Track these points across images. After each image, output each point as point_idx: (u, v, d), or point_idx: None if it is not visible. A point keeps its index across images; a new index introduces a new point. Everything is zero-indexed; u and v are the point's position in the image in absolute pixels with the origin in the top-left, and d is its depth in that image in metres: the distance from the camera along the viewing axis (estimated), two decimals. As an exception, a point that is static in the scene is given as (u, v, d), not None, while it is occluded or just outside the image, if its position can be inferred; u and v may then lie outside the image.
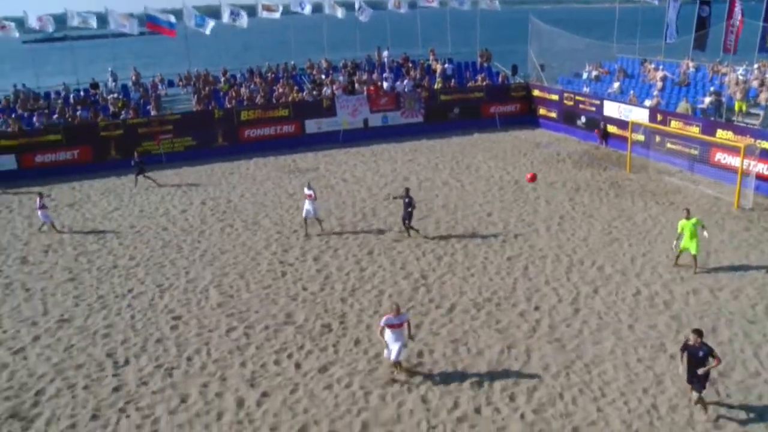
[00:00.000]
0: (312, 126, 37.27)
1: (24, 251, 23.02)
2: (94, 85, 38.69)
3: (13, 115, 34.44)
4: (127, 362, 15.53)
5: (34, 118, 34.27)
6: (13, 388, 14.78)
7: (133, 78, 39.42)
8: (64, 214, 26.70)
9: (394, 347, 13.91)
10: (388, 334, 13.91)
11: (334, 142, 36.82)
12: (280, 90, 38.17)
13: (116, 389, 14.48)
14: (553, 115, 38.44)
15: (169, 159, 34.12)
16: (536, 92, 39.98)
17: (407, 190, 21.94)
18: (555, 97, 38.28)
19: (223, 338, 16.33)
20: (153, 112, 35.91)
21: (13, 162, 32.73)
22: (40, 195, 25.01)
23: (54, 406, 14.03)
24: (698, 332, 12.29)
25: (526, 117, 40.01)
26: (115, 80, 39.03)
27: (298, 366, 15.01)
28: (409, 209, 21.64)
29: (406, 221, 21.86)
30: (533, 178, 23.97)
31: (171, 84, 40.44)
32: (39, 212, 24.66)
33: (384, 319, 13.97)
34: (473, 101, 39.79)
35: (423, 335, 16.01)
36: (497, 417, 12.96)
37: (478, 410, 13.17)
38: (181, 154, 34.59)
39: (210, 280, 19.67)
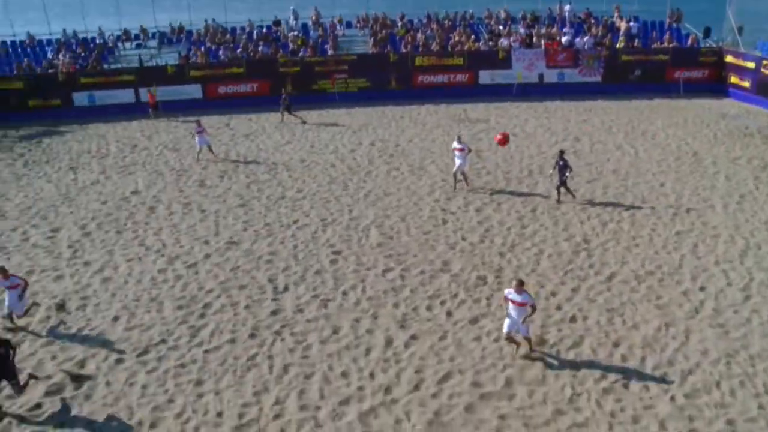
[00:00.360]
0: (485, 77, 36.62)
1: (202, 175, 24.61)
2: (276, 23, 40.13)
3: (202, 48, 36.59)
4: (286, 289, 16.26)
5: (221, 52, 36.22)
6: (185, 299, 16.02)
7: (314, 18, 40.46)
8: (240, 144, 28.16)
9: (508, 322, 13.29)
10: (511, 307, 13.25)
11: (506, 95, 35.95)
12: (456, 38, 37.70)
13: (274, 312, 15.23)
14: (747, 84, 35.06)
15: (342, 98, 34.97)
16: (729, 58, 36.51)
17: (561, 152, 20.96)
18: (751, 64, 34.79)
19: (379, 278, 16.65)
20: (330, 52, 36.79)
21: (199, 91, 34.93)
22: (198, 122, 26.70)
23: (218, 320, 15.04)
24: None
25: (715, 84, 36.67)
26: (296, 19, 40.24)
27: (449, 314, 15.02)
28: (565, 173, 20.66)
29: (562, 186, 20.91)
30: (504, 140, 22.12)
31: (349, 25, 41.15)
32: (196, 137, 26.29)
33: (507, 291, 13.43)
34: (657, 64, 37.06)
35: (578, 300, 15.46)
36: (645, 395, 12.31)
37: (626, 385, 12.56)
38: (354, 95, 35.32)
39: (372, 220, 20.05)
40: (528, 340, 13.62)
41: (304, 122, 31.10)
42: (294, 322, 14.83)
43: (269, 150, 27.15)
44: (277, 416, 12.02)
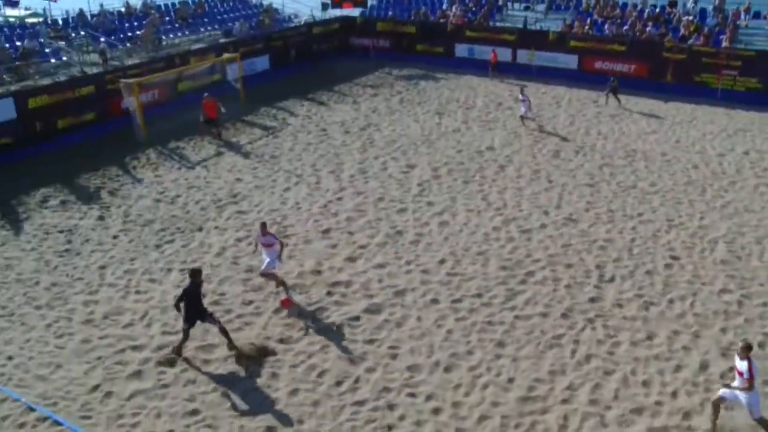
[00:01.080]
0: None
1: (558, 146, 24.63)
2: (672, 4, 37.76)
3: (588, 20, 36.09)
4: (612, 279, 15.76)
5: (606, 26, 35.36)
6: (511, 261, 16.48)
7: (716, 2, 37.27)
8: (603, 123, 27.48)
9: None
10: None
11: None
12: None
13: (592, 300, 14.91)
14: None
15: (724, 96, 31.96)
16: None
17: None
18: None
19: (714, 296, 15.26)
20: (724, 44, 33.71)
21: (575, 62, 34.58)
22: (521, 89, 27.16)
23: (536, 290, 15.21)
24: None
25: None
26: (695, 2, 37.48)
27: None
28: None
29: None
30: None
31: (757, 16, 37.01)
32: (521, 105, 26.64)
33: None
34: None
35: None
36: None
37: None
38: (739, 94, 31.97)
39: (723, 234, 18.32)
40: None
41: (623, 108, 29.67)
42: (610, 315, 14.37)
43: (632, 135, 26.11)
44: (564, 401, 11.91)
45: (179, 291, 13.48)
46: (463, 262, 16.48)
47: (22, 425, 11.42)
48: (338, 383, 12.34)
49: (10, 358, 13.19)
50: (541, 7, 39.60)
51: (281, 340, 13.58)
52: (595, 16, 36.74)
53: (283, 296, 14.86)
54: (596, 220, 18.84)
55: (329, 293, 15.18)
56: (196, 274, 12.92)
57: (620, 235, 17.98)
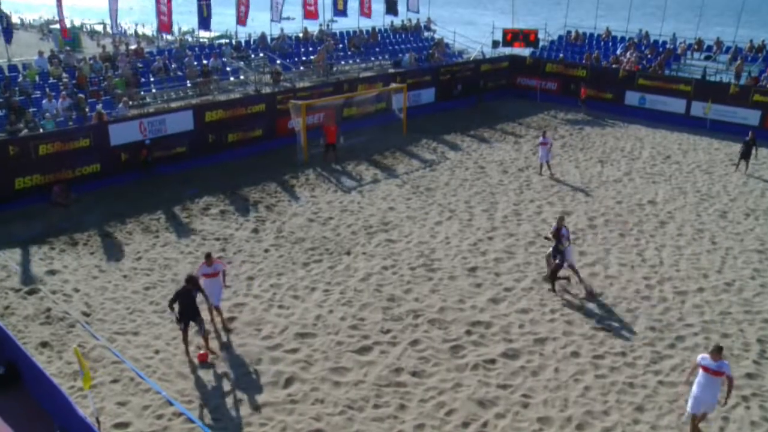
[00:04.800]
0: None
1: (727, 206, 23.26)
2: None
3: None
4: (774, 356, 14.65)
5: (798, 82, 33.12)
6: (661, 322, 15.76)
7: None
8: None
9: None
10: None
11: None
12: None
13: (750, 376, 13.91)
14: None
15: None
16: None
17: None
18: None
19: None
20: None
21: (757, 118, 32.37)
22: (544, 132, 26.33)
23: (684, 356, 14.40)
24: None
25: None
26: None
27: None
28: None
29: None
30: None
31: None
32: (539, 149, 25.72)
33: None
34: None
35: None
36: None
37: None
38: None
39: None
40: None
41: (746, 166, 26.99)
42: (766, 393, 13.34)
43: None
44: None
45: (173, 293, 14.20)
46: (610, 318, 15.94)
47: (159, 417, 12.31)
48: (465, 425, 12.29)
49: (157, 351, 14.26)
50: (724, 58, 37.74)
51: (414, 373, 13.73)
52: (786, 71, 34.53)
53: (202, 351, 14.30)
54: (762, 290, 17.57)
55: (468, 332, 15.18)
56: (189, 281, 13.84)
57: (790, 311, 16.69)
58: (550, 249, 17.27)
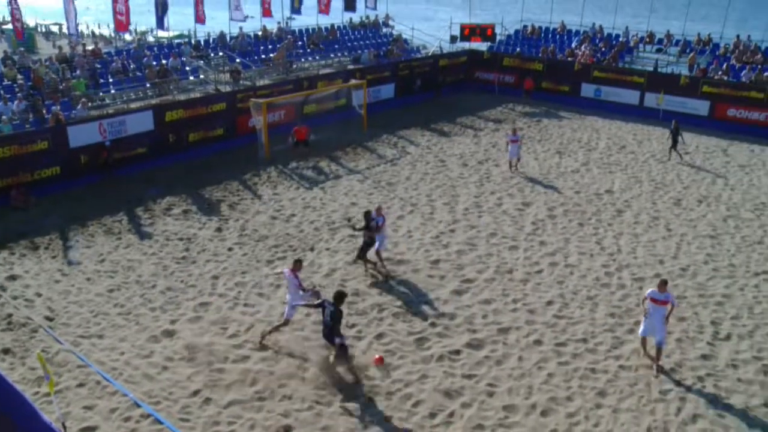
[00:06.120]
0: None
1: (681, 194, 23.75)
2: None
3: (723, 65, 34.76)
4: (728, 338, 15.00)
5: (743, 72, 33.85)
6: (620, 309, 16.08)
7: None
8: (732, 174, 26.24)
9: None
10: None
11: None
12: None
13: (705, 357, 14.26)
14: None
15: None
16: None
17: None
18: None
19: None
20: None
21: (706, 108, 33.21)
22: (514, 129, 26.41)
23: (644, 342, 14.63)
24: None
25: None
26: None
27: None
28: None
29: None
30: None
31: None
32: (509, 146, 25.70)
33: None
34: None
35: None
36: None
37: None
38: None
39: None
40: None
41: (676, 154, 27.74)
42: (723, 376, 13.66)
43: (763, 188, 24.80)
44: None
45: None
46: (572, 306, 16.16)
47: (127, 419, 12.14)
48: (432, 415, 12.36)
49: (122, 354, 14.07)
50: (674, 50, 38.50)
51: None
52: (734, 61, 35.29)
53: None
54: (715, 274, 18.00)
55: (432, 324, 15.27)
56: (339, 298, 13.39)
57: (741, 292, 17.08)
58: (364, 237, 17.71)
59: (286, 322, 14.39)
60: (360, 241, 17.92)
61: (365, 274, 17.55)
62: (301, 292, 14.05)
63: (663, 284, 13.57)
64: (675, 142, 27.43)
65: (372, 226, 17.38)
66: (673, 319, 15.48)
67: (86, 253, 18.70)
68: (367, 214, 17.57)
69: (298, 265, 14.50)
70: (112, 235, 19.93)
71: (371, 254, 17.69)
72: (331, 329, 13.03)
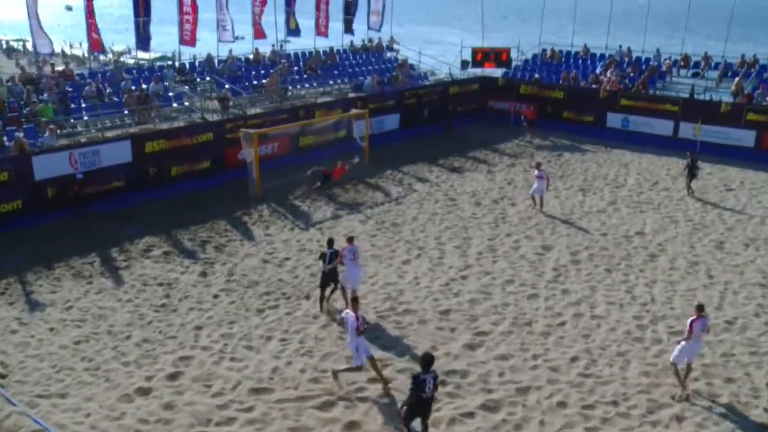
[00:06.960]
0: None
1: (724, 236, 23.51)
2: None
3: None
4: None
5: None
6: (657, 367, 15.70)
7: None
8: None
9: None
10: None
11: None
12: None
13: (764, 427, 13.81)
14: None
15: None
16: None
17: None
18: None
19: None
20: None
21: (752, 139, 33.01)
22: (538, 164, 26.48)
23: (684, 406, 14.27)
24: None
25: None
26: None
27: None
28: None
29: None
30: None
31: None
32: (535, 182, 25.78)
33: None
34: None
35: None
36: None
37: None
38: None
39: None
40: None
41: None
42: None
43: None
44: None
45: None
46: (599, 363, 15.80)
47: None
48: (443, 489, 11.99)
49: (88, 415, 13.68)
50: (713, 74, 38.49)
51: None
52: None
53: None
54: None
55: (443, 382, 14.91)
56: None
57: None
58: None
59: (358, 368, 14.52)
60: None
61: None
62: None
63: (701, 309, 14.59)
64: (693, 176, 27.46)
65: (324, 255, 17.73)
66: (720, 381, 15.18)
67: (51, 298, 18.45)
68: (329, 242, 18.25)
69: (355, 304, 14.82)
70: (82, 278, 19.70)
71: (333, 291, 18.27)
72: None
